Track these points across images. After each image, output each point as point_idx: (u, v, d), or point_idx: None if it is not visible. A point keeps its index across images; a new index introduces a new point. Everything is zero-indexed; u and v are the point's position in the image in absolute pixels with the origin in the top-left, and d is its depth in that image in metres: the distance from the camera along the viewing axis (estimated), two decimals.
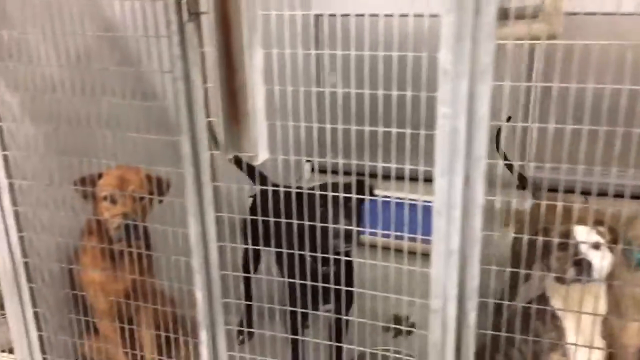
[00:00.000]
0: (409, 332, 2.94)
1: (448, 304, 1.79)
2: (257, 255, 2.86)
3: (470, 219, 1.69)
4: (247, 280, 2.96)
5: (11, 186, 2.23)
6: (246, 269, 2.82)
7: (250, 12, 1.66)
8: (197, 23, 1.77)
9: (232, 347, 2.15)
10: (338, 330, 2.52)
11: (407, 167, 1.83)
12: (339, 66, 1.78)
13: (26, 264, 2.33)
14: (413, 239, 1.87)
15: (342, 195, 1.84)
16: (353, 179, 2.01)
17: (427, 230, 1.75)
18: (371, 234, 2.12)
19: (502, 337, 1.99)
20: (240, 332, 3.00)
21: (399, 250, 1.88)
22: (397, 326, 2.96)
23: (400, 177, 1.83)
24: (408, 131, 1.69)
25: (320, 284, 1.92)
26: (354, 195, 1.92)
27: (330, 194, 1.89)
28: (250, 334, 2.94)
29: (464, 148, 1.63)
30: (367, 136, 1.79)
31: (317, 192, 1.97)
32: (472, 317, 1.78)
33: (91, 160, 2.14)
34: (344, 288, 1.96)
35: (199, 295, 2.08)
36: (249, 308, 3.09)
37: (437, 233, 1.73)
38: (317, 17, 4.41)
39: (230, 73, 1.75)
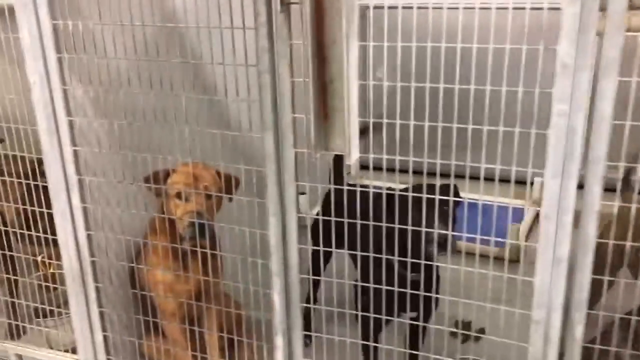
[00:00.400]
0: (477, 339, 2.82)
1: (552, 315, 1.67)
2: (328, 256, 2.75)
3: (584, 225, 1.56)
4: (315, 282, 2.86)
5: (80, 183, 2.16)
6: (315, 271, 2.71)
7: (348, 2, 1.55)
8: (288, 13, 1.67)
9: (309, 353, 2.06)
10: (415, 337, 2.41)
11: (498, 168, 1.70)
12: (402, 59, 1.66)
13: (93, 263, 2.26)
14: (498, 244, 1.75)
15: (437, 197, 1.72)
16: (446, 180, 1.87)
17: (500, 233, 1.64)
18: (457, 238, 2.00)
19: (596, 350, 1.86)
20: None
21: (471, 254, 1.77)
22: (465, 332, 2.84)
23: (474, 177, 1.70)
24: (517, 130, 1.57)
25: (408, 291, 1.81)
26: (450, 198, 1.79)
27: (424, 196, 1.76)
28: (310, 337, 2.85)
29: (580, 149, 1.51)
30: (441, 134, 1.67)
31: (410, 194, 1.85)
32: (579, 330, 1.66)
33: (163, 157, 2.06)
34: (434, 295, 1.85)
35: (277, 299, 1.99)
36: (308, 310, 2.99)
37: (545, 239, 1.61)
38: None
39: (322, 66, 1.65)
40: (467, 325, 2.91)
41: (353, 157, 1.70)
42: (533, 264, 1.66)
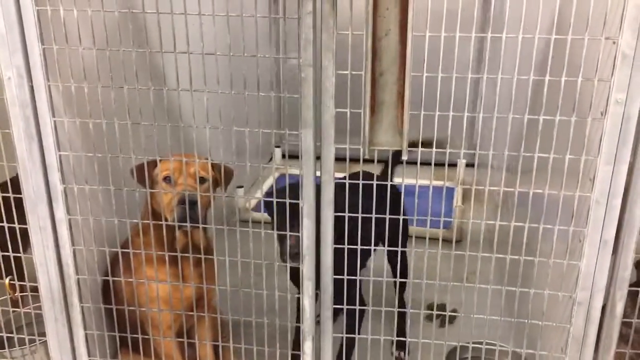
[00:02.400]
0: (452, 320, 2.88)
1: (595, 296, 1.74)
2: None
3: (631, 207, 1.64)
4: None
5: (65, 192, 1.89)
6: None
7: None
8: (334, 3, 1.56)
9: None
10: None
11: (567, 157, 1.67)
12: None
13: (79, 282, 2.00)
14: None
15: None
16: None
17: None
18: None
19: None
20: None
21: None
22: (441, 312, 2.89)
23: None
24: (573, 119, 1.60)
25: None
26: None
27: None
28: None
29: (633, 136, 1.57)
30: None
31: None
32: (619, 307, 1.75)
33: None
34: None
35: (307, 303, 1.89)
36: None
37: (594, 223, 1.67)
38: None
39: (373, 59, 1.57)
40: (441, 307, 2.96)
41: (405, 153, 1.64)
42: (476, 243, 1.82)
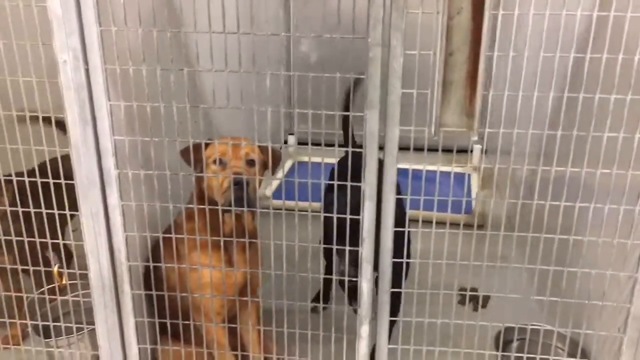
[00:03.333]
0: (485, 304, 2.89)
1: None
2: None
3: None
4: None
5: (119, 178, 1.86)
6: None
7: None
8: None
9: (395, 340, 1.98)
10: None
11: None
12: None
13: (130, 269, 1.97)
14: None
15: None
16: None
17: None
18: None
19: None
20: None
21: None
22: (473, 294, 2.90)
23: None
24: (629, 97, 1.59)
25: None
26: None
27: None
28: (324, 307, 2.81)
29: None
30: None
31: None
32: None
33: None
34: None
35: (365, 287, 1.88)
36: (327, 282, 2.90)
37: None
38: None
39: (446, 39, 1.55)
40: (473, 292, 2.97)
41: (476, 134, 1.63)
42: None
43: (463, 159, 4.71)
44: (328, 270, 2.82)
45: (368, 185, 1.75)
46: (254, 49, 1.70)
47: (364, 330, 1.93)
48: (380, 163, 1.76)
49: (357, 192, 1.77)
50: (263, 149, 2.11)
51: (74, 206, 1.91)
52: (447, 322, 1.98)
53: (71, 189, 1.89)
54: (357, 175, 1.79)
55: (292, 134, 4.91)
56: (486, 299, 2.90)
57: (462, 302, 2.96)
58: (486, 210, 3.77)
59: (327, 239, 2.57)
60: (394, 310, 1.98)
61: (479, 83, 1.57)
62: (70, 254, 2.76)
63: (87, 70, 1.73)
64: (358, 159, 1.78)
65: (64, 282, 2.08)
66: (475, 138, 1.62)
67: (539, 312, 2.41)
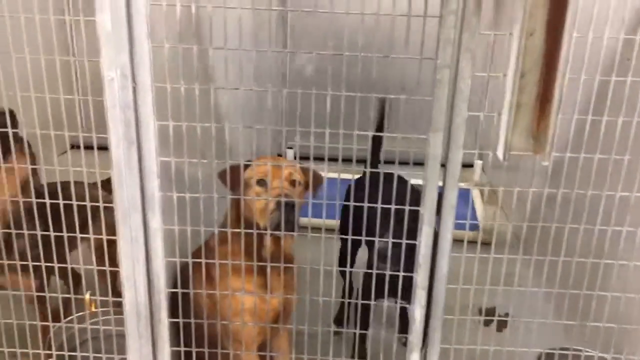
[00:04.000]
0: (505, 324, 2.86)
1: None
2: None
3: None
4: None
5: (162, 201, 1.76)
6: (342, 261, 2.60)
7: None
8: (480, 1, 1.50)
9: None
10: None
11: None
12: None
13: (169, 295, 1.88)
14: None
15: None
16: None
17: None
18: None
19: None
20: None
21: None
22: (501, 318, 2.87)
23: None
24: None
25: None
26: None
27: None
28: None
29: None
30: None
31: None
32: None
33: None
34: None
35: (418, 313, 1.82)
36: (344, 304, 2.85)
37: None
38: None
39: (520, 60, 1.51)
40: (491, 311, 2.93)
41: (549, 158, 1.58)
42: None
43: (466, 174, 4.71)
44: (344, 290, 2.78)
45: (427, 209, 1.70)
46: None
47: (414, 357, 1.87)
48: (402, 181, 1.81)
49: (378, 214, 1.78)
50: (304, 170, 2.04)
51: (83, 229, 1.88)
52: (486, 348, 1.95)
53: (80, 211, 1.84)
54: (375, 195, 1.77)
55: (290, 147, 4.84)
56: (503, 321, 2.87)
57: (487, 323, 2.92)
58: (491, 227, 3.76)
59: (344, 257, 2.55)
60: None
61: (553, 106, 1.53)
62: (79, 277, 2.63)
63: (134, 89, 1.64)
64: (375, 178, 1.78)
65: (94, 309, 1.96)
66: (547, 163, 1.58)
67: (562, 334, 2.38)
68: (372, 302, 2.23)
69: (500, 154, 1.59)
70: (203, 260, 1.95)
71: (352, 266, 2.62)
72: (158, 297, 1.87)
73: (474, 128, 1.67)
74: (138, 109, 1.66)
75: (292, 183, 1.98)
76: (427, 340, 1.87)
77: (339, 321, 2.85)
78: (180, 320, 1.93)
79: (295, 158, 4.90)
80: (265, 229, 1.92)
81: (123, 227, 1.79)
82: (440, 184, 1.70)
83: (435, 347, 1.87)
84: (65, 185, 1.99)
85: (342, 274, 2.70)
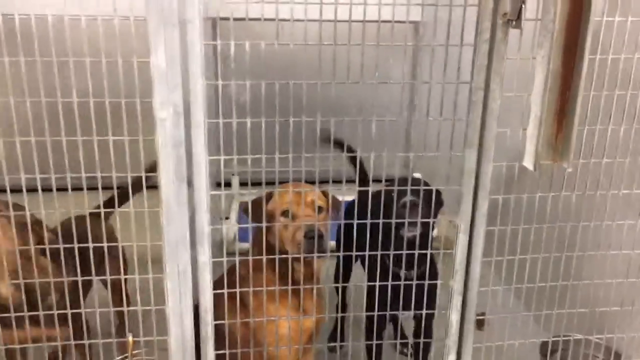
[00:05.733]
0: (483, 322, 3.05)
1: None
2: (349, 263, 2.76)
3: None
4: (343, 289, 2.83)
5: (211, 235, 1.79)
6: (337, 278, 2.71)
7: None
8: (506, 30, 1.68)
9: None
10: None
11: None
12: None
13: (215, 328, 1.89)
14: None
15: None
16: None
17: None
18: None
19: None
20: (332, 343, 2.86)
21: None
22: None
23: None
24: None
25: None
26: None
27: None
28: (341, 346, 2.82)
29: None
30: None
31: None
32: None
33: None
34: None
35: (454, 317, 1.96)
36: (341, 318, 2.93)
37: None
38: None
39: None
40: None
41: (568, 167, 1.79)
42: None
43: None
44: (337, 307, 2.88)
45: (463, 220, 1.85)
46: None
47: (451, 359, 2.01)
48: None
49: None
50: (325, 194, 2.13)
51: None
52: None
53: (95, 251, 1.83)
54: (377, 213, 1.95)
55: (233, 174, 4.86)
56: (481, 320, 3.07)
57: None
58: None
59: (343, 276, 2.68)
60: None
61: (570, 120, 1.74)
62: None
63: (186, 126, 1.67)
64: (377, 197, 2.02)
65: (136, 351, 1.92)
66: (570, 169, 1.78)
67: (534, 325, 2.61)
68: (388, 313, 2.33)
69: (529, 164, 1.77)
70: (238, 290, 1.99)
71: (346, 282, 2.75)
72: (205, 330, 1.89)
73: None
74: (190, 146, 1.69)
75: (318, 209, 2.06)
76: (461, 342, 2.01)
77: (333, 338, 2.93)
78: (227, 351, 1.94)
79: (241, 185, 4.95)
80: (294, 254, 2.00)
81: (170, 263, 1.79)
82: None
83: (469, 347, 2.02)
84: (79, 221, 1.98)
85: (337, 290, 2.81)
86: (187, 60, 1.61)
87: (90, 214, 2.05)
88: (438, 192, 2.17)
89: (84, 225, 1.94)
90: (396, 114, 1.79)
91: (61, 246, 1.86)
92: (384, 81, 1.70)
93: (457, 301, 1.94)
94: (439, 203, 2.22)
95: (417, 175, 3.30)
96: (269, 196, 2.06)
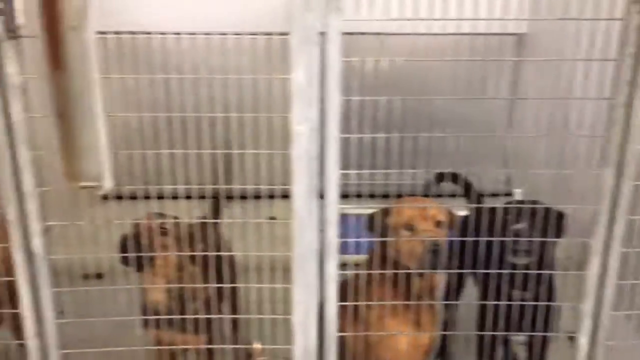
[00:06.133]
0: None
1: None
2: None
3: None
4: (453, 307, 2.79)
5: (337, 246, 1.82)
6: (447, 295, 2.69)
7: None
8: None
9: None
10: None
11: None
12: None
13: (339, 339, 1.92)
14: None
15: None
16: None
17: None
18: None
19: None
20: None
21: None
22: None
23: None
24: None
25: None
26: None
27: None
28: None
29: None
30: None
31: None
32: None
33: None
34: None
35: (583, 341, 1.89)
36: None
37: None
38: None
39: None
40: None
41: None
42: None
43: None
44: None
45: (597, 240, 1.79)
46: None
47: None
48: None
49: None
50: (446, 210, 2.12)
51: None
52: None
53: None
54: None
55: None
56: None
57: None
58: None
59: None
60: None
61: None
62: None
63: (321, 141, 1.71)
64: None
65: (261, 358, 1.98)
66: None
67: None
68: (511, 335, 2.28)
69: None
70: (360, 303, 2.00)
71: (457, 299, 2.72)
72: (328, 342, 1.91)
73: None
74: (323, 160, 1.73)
75: (437, 224, 2.05)
76: None
77: (442, 356, 2.89)
78: None
79: None
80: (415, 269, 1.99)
81: (299, 275, 1.83)
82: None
83: None
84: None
85: (445, 307, 2.77)
86: (325, 76, 1.65)
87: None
88: (561, 215, 2.11)
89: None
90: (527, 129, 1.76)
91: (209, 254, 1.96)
92: (522, 97, 1.68)
93: (586, 325, 1.87)
94: (561, 227, 2.15)
95: (518, 191, 3.22)
96: (387, 210, 2.06)
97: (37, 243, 1.74)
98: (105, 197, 1.71)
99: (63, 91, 1.55)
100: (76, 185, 1.63)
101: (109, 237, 1.93)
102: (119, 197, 2.00)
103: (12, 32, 1.55)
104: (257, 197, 2.00)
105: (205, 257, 1.99)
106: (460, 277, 2.67)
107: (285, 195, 1.81)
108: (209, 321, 2.06)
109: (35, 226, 1.73)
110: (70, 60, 1.52)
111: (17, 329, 1.96)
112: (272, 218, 2.30)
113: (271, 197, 1.88)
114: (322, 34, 1.62)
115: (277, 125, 1.84)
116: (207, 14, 1.83)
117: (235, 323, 2.68)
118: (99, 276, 1.82)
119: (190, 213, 2.14)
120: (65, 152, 1.60)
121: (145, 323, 2.20)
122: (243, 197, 2.18)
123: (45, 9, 1.50)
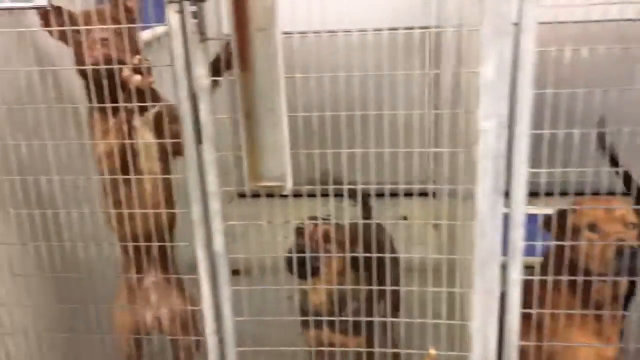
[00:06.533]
0: None
1: None
2: None
3: None
4: None
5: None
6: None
7: None
8: None
9: None
10: None
11: None
12: None
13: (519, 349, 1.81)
14: None
15: None
16: None
17: None
18: None
19: None
20: None
21: None
22: None
23: None
24: None
25: None
26: None
27: None
28: None
29: None
30: None
31: None
32: None
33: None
34: None
35: None
36: None
37: None
38: None
39: None
40: None
41: None
42: None
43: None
44: None
45: None
46: None
47: None
48: None
49: None
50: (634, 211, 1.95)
51: None
52: None
53: None
54: None
55: None
56: None
57: None
58: None
59: None
60: None
61: None
62: None
63: (509, 139, 1.61)
64: None
65: None
66: None
67: None
68: None
69: None
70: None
71: None
72: (508, 352, 1.81)
73: None
74: (511, 158, 1.63)
75: (629, 226, 1.89)
76: None
77: None
78: None
79: None
80: (600, 275, 1.84)
81: (479, 279, 1.74)
82: None
83: None
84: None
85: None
86: (516, 69, 1.55)
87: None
88: None
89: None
90: None
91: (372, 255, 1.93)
92: None
93: None
94: None
95: None
96: (567, 210, 1.92)
97: (218, 242, 1.78)
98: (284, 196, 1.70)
99: (249, 92, 1.55)
100: (259, 185, 1.63)
101: (273, 236, 1.94)
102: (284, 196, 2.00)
103: (203, 35, 1.58)
104: (380, 195, 1.94)
105: (368, 259, 1.95)
106: (633, 284, 2.46)
107: (408, 194, 1.79)
108: (369, 322, 2.01)
109: (217, 225, 1.76)
110: (258, 61, 1.52)
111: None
112: (405, 218, 2.24)
113: (394, 195, 1.81)
114: (515, 24, 1.52)
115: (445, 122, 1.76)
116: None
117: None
118: (235, 272, 1.82)
119: (342, 213, 2.11)
120: (249, 153, 1.60)
121: (304, 324, 2.21)
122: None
123: (235, 10, 1.51)
